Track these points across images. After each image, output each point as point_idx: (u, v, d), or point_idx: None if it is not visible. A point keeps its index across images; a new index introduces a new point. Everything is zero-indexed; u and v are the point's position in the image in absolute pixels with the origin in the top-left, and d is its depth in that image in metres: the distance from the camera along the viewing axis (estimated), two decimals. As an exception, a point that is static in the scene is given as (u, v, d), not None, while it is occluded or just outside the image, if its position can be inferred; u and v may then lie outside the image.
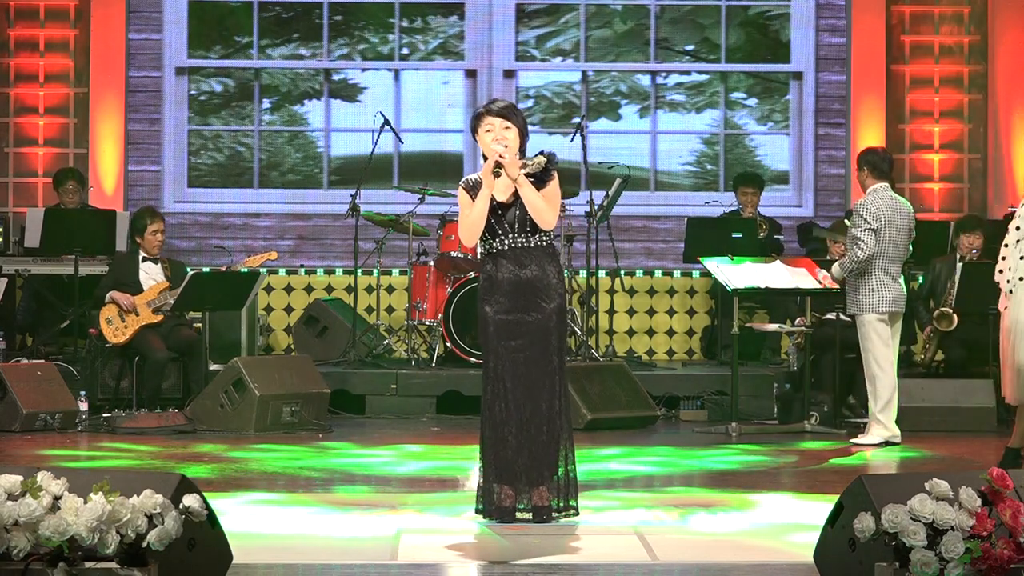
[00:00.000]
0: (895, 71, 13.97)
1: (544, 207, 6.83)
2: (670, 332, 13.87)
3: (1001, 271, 8.66)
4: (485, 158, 6.98)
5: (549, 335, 6.86)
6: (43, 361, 11.36)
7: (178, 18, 13.93)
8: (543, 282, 6.87)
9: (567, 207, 11.72)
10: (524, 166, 6.89)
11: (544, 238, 6.93)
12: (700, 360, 13.60)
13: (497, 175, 6.83)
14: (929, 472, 5.39)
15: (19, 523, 5.02)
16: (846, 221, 10.81)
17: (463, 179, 7.00)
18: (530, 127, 7.20)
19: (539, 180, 6.88)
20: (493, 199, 6.86)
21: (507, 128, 6.90)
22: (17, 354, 12.12)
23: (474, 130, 7.00)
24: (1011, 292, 8.58)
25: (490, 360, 6.90)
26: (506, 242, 6.90)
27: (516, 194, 6.87)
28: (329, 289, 13.72)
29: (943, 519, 5.13)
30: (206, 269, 12.34)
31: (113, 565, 5.06)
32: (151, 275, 11.35)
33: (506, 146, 6.85)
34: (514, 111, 6.97)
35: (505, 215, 6.88)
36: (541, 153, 6.95)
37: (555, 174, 6.92)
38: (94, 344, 11.37)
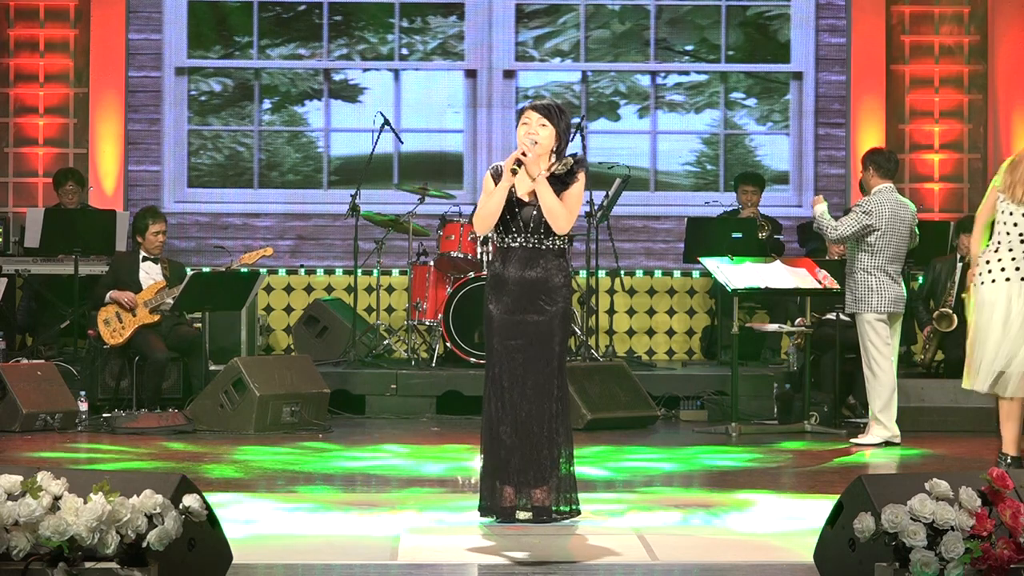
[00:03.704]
0: (895, 71, 13.97)
1: (559, 211, 6.79)
2: (670, 332, 13.87)
3: None
4: None
5: (551, 337, 6.84)
6: (43, 361, 11.36)
7: (178, 18, 13.93)
8: (548, 284, 6.85)
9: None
10: (551, 166, 6.87)
11: (556, 241, 6.89)
12: (700, 360, 13.60)
13: (515, 172, 6.80)
14: (929, 472, 5.39)
15: (19, 523, 5.02)
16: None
17: (492, 165, 6.99)
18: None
19: (562, 183, 6.85)
20: (513, 194, 6.84)
21: (543, 126, 6.84)
22: (17, 354, 12.12)
23: (518, 124, 6.97)
24: None
25: (492, 359, 6.90)
26: (518, 240, 6.87)
27: (535, 193, 6.85)
28: (329, 289, 13.72)
29: (943, 519, 5.13)
30: (206, 269, 12.34)
31: (113, 565, 5.06)
32: (151, 275, 11.35)
33: (535, 142, 6.81)
34: (555, 112, 6.87)
35: (520, 213, 6.85)
36: (571, 155, 6.94)
37: (580, 178, 6.88)
38: (94, 344, 11.36)
